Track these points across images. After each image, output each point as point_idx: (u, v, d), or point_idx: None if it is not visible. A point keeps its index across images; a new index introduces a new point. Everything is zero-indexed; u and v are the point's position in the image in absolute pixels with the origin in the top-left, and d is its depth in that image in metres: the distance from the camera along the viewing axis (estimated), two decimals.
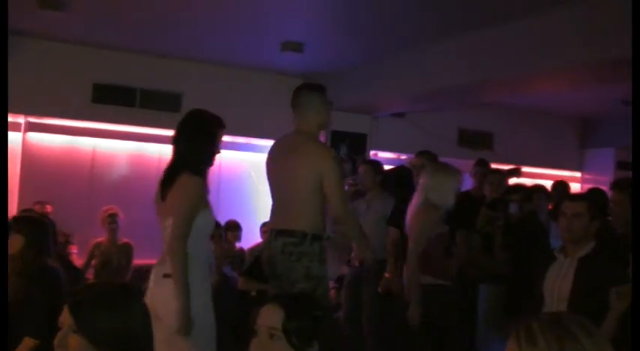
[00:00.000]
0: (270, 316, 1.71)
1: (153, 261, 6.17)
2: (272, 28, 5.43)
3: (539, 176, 8.07)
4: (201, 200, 2.96)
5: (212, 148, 3.06)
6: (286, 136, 3.44)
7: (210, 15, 5.13)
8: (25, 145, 6.28)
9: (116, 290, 1.64)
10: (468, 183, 6.44)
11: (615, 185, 3.51)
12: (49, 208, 5.68)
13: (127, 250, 5.96)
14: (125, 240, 6.00)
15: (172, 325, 2.85)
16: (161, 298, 2.91)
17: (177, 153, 3.04)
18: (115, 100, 6.34)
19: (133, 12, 5.18)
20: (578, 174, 8.97)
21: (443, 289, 3.86)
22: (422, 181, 4.05)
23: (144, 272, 5.78)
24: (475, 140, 8.08)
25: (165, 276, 2.95)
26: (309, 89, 3.40)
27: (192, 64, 6.65)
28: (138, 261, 5.99)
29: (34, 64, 6.06)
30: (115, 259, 5.88)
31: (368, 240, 3.53)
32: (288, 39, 5.72)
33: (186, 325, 2.85)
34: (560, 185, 5.84)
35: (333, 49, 6.05)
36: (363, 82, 6.53)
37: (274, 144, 3.48)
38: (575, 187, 7.70)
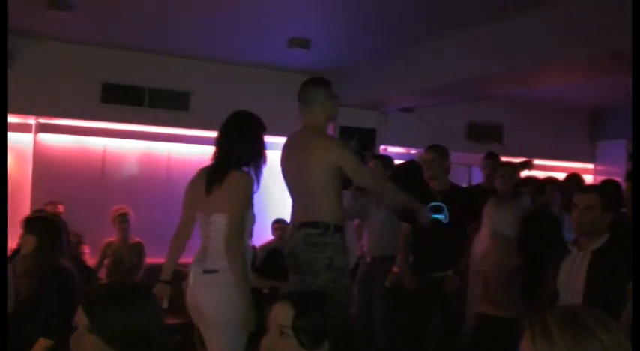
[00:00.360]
0: (280, 314, 1.70)
1: (163, 260, 6.20)
2: (278, 24, 5.42)
3: (550, 169, 8.02)
4: (251, 197, 3.09)
5: (260, 147, 3.18)
6: (296, 133, 3.47)
7: (216, 13, 5.13)
8: (37, 146, 6.31)
9: (129, 289, 1.64)
10: (478, 177, 6.44)
11: (630, 176, 3.49)
12: (61, 209, 5.71)
13: (138, 249, 5.98)
14: (136, 239, 6.02)
15: (214, 320, 2.97)
16: (202, 294, 3.03)
17: (223, 152, 3.15)
18: (124, 100, 6.36)
19: (139, 11, 5.18)
20: (590, 166, 8.91)
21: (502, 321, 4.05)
22: (487, 211, 4.29)
23: (155, 271, 5.86)
24: (484, 134, 8.04)
25: (206, 272, 3.05)
26: (314, 84, 3.43)
27: (199, 62, 6.65)
28: (148, 260, 6.03)
29: (43, 66, 6.09)
30: (126, 258, 5.91)
31: (414, 200, 3.61)
32: (295, 36, 5.71)
33: (246, 320, 2.96)
34: (574, 178, 5.81)
35: (340, 44, 6.03)
36: (370, 78, 6.51)
37: (286, 142, 3.51)
38: (588, 180, 7.65)
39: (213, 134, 7.29)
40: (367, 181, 3.44)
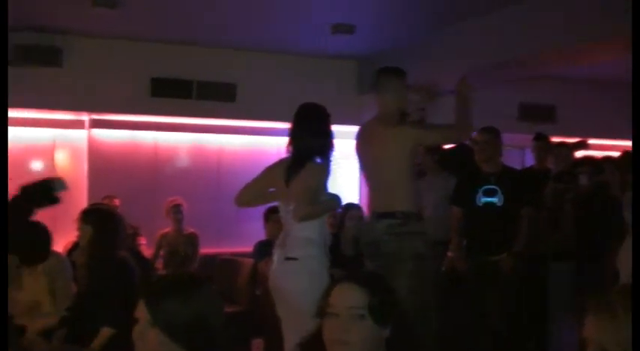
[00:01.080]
0: (351, 296, 1.65)
1: (216, 250, 6.26)
2: (322, 11, 5.39)
3: (607, 148, 7.78)
4: (324, 186, 3.24)
5: (331, 137, 3.30)
6: (369, 122, 3.60)
7: (259, 2, 5.13)
8: (91, 142, 6.45)
9: (188, 281, 1.63)
10: (531, 158, 6.28)
11: None
12: (116, 202, 5.82)
13: (192, 240, 6.07)
14: (191, 230, 6.10)
15: (294, 305, 3.09)
16: (285, 279, 3.20)
17: (298, 143, 3.28)
18: (173, 93, 6.44)
19: (184, 6, 5.23)
20: None
21: None
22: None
23: (209, 261, 5.95)
24: (537, 114, 7.84)
25: (288, 259, 3.20)
26: (386, 73, 3.51)
27: (245, 53, 6.67)
28: (202, 250, 6.11)
29: (93, 63, 6.20)
30: (181, 248, 6.00)
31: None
32: (339, 21, 5.67)
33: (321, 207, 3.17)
34: (629, 155, 5.62)
35: (385, 28, 5.96)
36: (417, 61, 6.40)
37: (360, 131, 3.64)
38: None
39: (260, 124, 7.37)
40: (454, 135, 3.58)
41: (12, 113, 5.14)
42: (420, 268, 3.27)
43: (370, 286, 1.67)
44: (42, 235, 3.63)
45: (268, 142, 6.72)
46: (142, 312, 1.56)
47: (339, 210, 6.06)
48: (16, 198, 3.55)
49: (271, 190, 3.43)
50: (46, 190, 3.68)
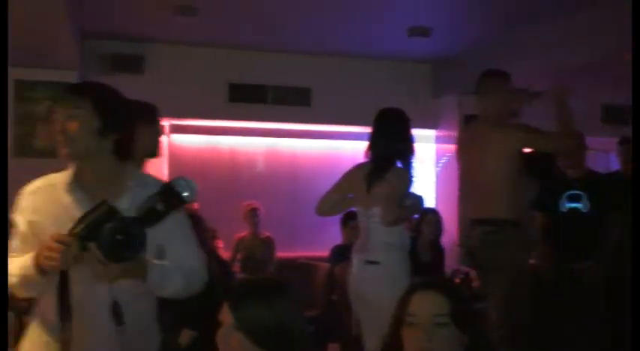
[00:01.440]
0: (432, 304, 1.65)
1: (291, 253, 6.29)
2: (398, 14, 5.35)
3: None
4: (408, 191, 3.29)
5: (411, 143, 3.33)
6: (472, 125, 3.60)
7: (335, 6, 5.14)
8: (170, 147, 6.62)
9: (271, 285, 1.65)
10: (615, 163, 6.04)
11: None
12: (196, 206, 5.93)
13: (269, 244, 6.13)
14: (267, 233, 6.17)
15: (378, 309, 3.06)
16: (367, 284, 3.23)
17: (379, 148, 3.31)
18: (249, 98, 6.53)
19: (259, 12, 5.31)
20: None
21: None
22: None
23: (285, 265, 5.99)
24: (622, 116, 7.53)
25: (368, 263, 3.23)
26: (489, 75, 3.48)
27: (319, 58, 6.70)
28: (278, 254, 6.16)
29: (173, 69, 6.35)
30: (258, 252, 6.07)
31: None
32: (415, 24, 5.61)
33: None
34: None
35: (462, 30, 5.86)
36: (495, 63, 6.21)
37: (462, 134, 3.65)
38: None
39: (335, 128, 7.35)
40: (562, 142, 3.44)
41: None
42: (514, 277, 3.18)
43: (451, 293, 1.68)
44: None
45: (343, 146, 6.73)
46: (226, 316, 1.59)
47: (416, 215, 6.01)
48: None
49: (350, 196, 3.43)
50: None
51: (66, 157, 1.90)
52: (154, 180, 2.03)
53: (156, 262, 1.90)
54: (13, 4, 4.05)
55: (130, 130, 2.01)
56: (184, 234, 2.07)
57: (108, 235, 1.67)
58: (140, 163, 2.93)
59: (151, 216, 1.75)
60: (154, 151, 3.00)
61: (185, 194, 1.78)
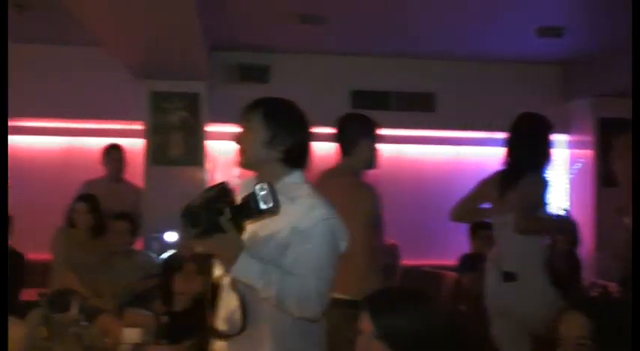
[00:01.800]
0: (576, 326, 1.63)
1: (416, 261, 6.17)
2: (527, 14, 5.15)
3: None
4: (543, 200, 3.18)
5: (548, 149, 3.22)
6: None
7: (460, 9, 5.04)
8: None
9: (410, 294, 1.66)
10: None
11: None
12: None
13: (393, 251, 6.07)
14: (391, 241, 6.11)
15: (521, 324, 3.10)
16: (507, 299, 3.15)
17: (514, 156, 3.22)
18: (373, 105, 6.52)
19: (383, 19, 5.29)
20: None
21: None
22: None
23: (410, 273, 5.92)
24: None
25: (505, 274, 3.14)
26: None
27: (441, 62, 6.60)
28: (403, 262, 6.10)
29: (297, 78, 6.46)
30: (381, 260, 6.03)
31: None
32: (544, 24, 5.38)
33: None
34: None
35: (596, 29, 5.54)
36: (627, 64, 5.89)
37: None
38: None
39: (460, 134, 7.21)
40: None
41: (223, 128, 5.55)
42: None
43: (595, 316, 1.66)
44: None
45: (469, 152, 6.57)
46: (366, 324, 1.62)
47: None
48: None
49: (485, 205, 3.34)
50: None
51: (239, 166, 2.05)
52: (310, 193, 2.03)
53: (255, 259, 1.81)
54: (148, 24, 4.32)
55: (301, 139, 2.05)
56: (316, 244, 1.87)
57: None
58: (359, 173, 3.00)
59: (244, 210, 1.80)
60: (371, 163, 3.07)
61: (263, 207, 1.78)
